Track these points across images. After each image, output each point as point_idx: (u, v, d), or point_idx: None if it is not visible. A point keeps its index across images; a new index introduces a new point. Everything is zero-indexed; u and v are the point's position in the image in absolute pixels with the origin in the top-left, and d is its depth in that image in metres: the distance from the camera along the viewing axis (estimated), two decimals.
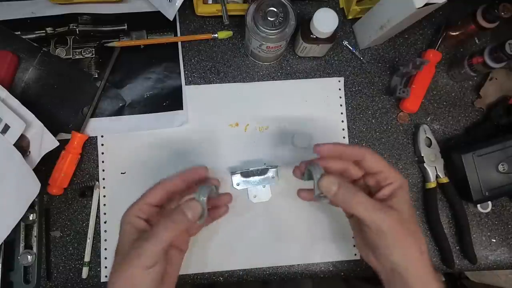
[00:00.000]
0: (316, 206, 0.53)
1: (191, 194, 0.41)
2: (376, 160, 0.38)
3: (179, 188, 0.40)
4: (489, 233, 0.54)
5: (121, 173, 0.52)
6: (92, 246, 0.50)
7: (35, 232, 0.49)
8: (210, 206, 0.44)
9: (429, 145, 0.54)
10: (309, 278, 0.52)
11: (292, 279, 0.52)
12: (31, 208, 0.48)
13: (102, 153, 0.52)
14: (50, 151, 0.48)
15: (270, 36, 0.46)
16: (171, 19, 0.52)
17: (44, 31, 0.52)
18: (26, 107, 0.47)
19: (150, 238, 0.33)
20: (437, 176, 0.53)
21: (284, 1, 0.45)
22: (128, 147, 0.52)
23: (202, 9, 0.53)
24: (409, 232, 0.35)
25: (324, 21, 0.46)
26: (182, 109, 0.53)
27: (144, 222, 0.37)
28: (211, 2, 0.53)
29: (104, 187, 0.51)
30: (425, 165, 0.53)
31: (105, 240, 0.51)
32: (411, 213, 0.37)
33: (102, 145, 0.52)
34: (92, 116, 0.52)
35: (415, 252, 0.35)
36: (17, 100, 0.47)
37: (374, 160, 0.38)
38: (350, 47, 0.56)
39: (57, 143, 0.49)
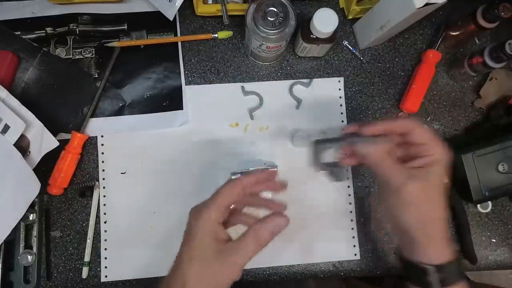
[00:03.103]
0: (316, 207, 0.53)
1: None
2: (424, 132, 0.39)
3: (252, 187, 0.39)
4: (489, 233, 0.54)
5: (121, 173, 0.52)
6: (92, 246, 0.50)
7: (35, 232, 0.49)
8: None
9: None
10: (311, 278, 0.52)
11: (293, 279, 0.52)
12: (31, 208, 0.48)
13: (102, 153, 0.52)
14: (50, 151, 0.48)
15: (270, 36, 0.46)
16: (171, 19, 0.52)
17: (44, 31, 0.52)
18: (26, 107, 0.47)
19: (238, 251, 0.35)
20: None
21: (284, 1, 0.45)
22: (128, 147, 0.52)
23: (202, 9, 0.53)
24: (427, 199, 0.38)
25: (324, 21, 0.46)
26: (182, 109, 0.53)
27: (223, 231, 0.36)
28: (211, 2, 0.53)
29: (104, 187, 0.51)
30: None
31: (105, 240, 0.51)
32: (437, 185, 0.38)
33: (102, 145, 0.52)
34: (92, 116, 0.52)
35: (429, 217, 0.38)
36: (17, 100, 0.47)
37: (421, 133, 0.39)
38: (350, 47, 0.56)
39: (57, 143, 0.49)
